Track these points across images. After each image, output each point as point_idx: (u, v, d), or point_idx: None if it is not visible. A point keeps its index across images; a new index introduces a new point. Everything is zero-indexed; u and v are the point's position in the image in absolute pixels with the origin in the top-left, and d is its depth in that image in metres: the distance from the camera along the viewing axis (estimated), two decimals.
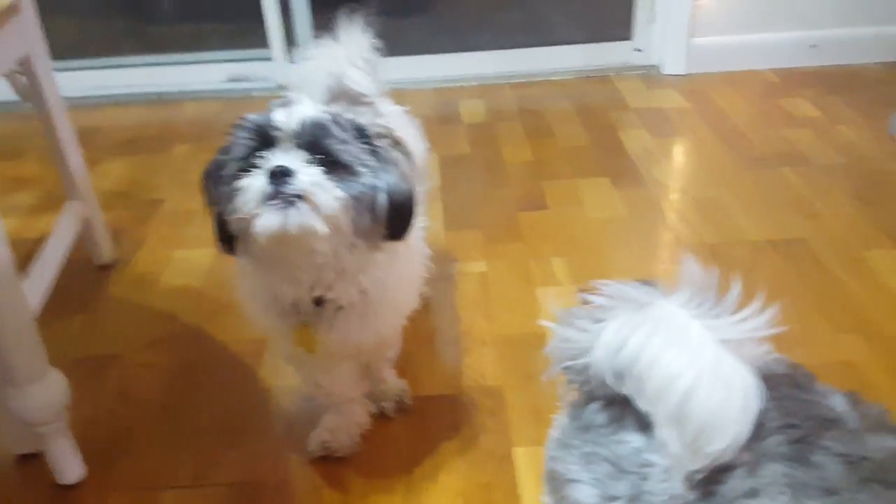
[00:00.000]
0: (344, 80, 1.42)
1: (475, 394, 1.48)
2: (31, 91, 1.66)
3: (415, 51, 3.00)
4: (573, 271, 1.82)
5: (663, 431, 0.74)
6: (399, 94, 2.86)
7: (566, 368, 0.82)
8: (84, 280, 1.90)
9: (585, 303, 0.81)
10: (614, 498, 0.78)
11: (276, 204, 0.97)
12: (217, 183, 1.06)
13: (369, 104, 1.45)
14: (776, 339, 1.61)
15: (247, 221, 1.00)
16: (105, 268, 1.94)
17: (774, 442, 0.73)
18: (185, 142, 2.65)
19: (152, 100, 2.98)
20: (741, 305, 0.77)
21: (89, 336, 1.71)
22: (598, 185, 2.21)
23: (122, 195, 2.31)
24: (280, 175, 0.97)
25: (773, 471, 0.72)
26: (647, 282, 0.82)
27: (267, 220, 0.98)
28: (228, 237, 1.08)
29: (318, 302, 1.11)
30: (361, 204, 1.03)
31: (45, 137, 1.73)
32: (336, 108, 1.09)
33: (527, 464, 1.32)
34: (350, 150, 1.03)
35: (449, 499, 1.27)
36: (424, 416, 1.44)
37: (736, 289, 0.78)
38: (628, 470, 0.78)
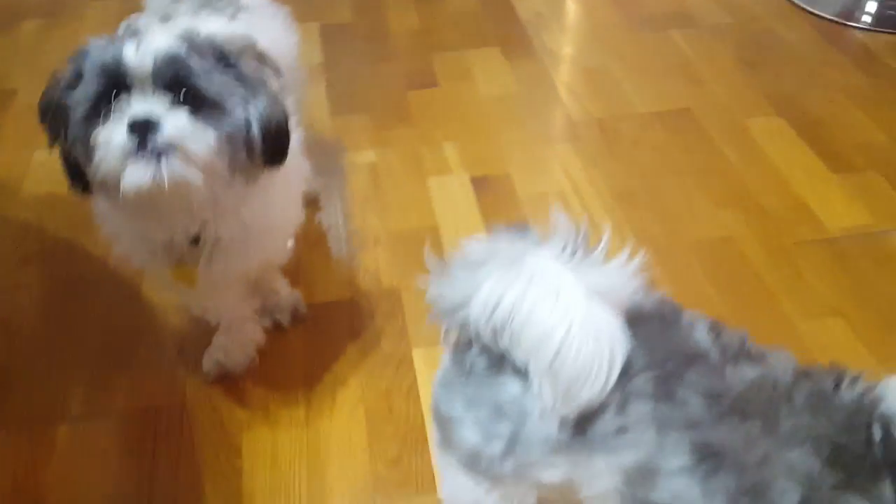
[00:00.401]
0: None
1: (371, 297, 1.47)
2: None
3: None
4: (465, 158, 1.79)
5: (538, 382, 0.76)
6: None
7: (444, 319, 0.81)
8: None
9: (459, 255, 0.80)
10: (496, 437, 0.81)
11: (142, 158, 0.88)
12: (61, 121, 0.95)
13: None
14: (660, 215, 1.65)
15: (109, 175, 0.91)
16: None
17: (641, 381, 0.76)
18: (34, 17, 2.37)
19: None
20: (612, 251, 0.77)
21: None
22: (489, 56, 2.14)
23: None
24: (143, 126, 0.88)
25: (640, 409, 0.76)
26: (522, 229, 0.81)
27: (134, 177, 0.89)
28: (83, 178, 0.98)
29: (195, 240, 1.05)
30: (235, 141, 0.96)
31: None
32: (190, 29, 0.97)
33: (426, 365, 1.35)
34: (214, 82, 0.94)
35: (350, 406, 1.29)
36: (321, 325, 1.43)
37: (606, 235, 0.77)
38: (508, 412, 0.80)
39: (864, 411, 0.73)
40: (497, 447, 0.81)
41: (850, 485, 0.70)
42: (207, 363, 1.33)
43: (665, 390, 0.76)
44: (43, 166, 1.79)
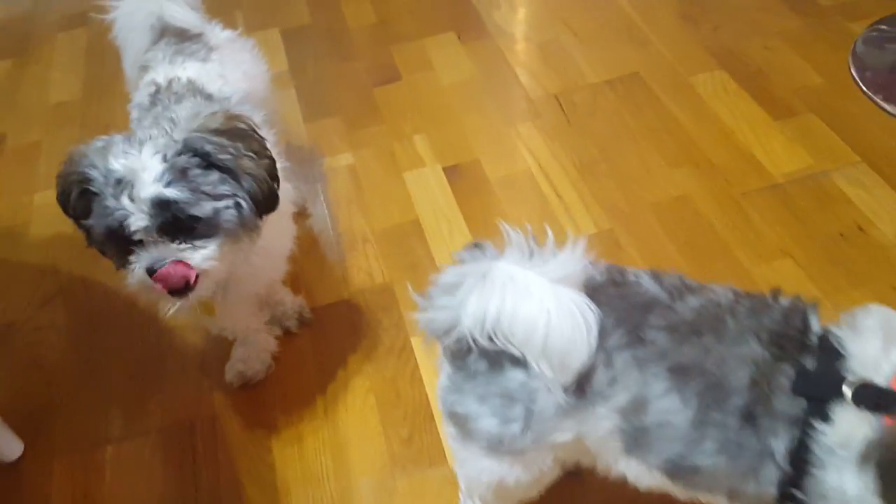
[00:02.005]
0: (165, 17, 1.39)
1: (367, 293, 1.62)
2: None
3: None
4: (435, 149, 1.92)
5: (536, 365, 0.91)
6: None
7: (435, 332, 0.95)
8: None
9: (436, 285, 0.94)
10: (513, 420, 0.96)
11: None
12: (80, 214, 1.10)
13: (197, 36, 1.43)
14: (620, 182, 1.78)
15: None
16: None
17: (616, 337, 0.92)
18: (2, 58, 2.46)
19: None
20: (560, 244, 0.92)
21: None
22: (446, 42, 2.24)
23: None
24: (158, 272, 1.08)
25: (623, 358, 0.92)
26: (477, 245, 0.94)
27: (171, 306, 1.14)
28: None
29: None
30: (233, 230, 1.12)
31: None
32: (170, 155, 1.09)
33: (424, 351, 1.49)
34: (205, 198, 1.09)
35: (361, 398, 1.45)
36: (325, 326, 1.58)
37: (549, 234, 0.91)
38: (518, 398, 0.95)
39: (800, 309, 0.92)
40: (516, 427, 0.96)
41: (784, 357, 0.88)
42: (230, 374, 1.48)
43: (636, 337, 0.92)
44: (47, 207, 1.91)
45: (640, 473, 0.99)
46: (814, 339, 0.91)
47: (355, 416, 1.43)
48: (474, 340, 0.92)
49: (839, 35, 2.03)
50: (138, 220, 1.07)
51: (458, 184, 1.81)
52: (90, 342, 1.62)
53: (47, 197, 1.93)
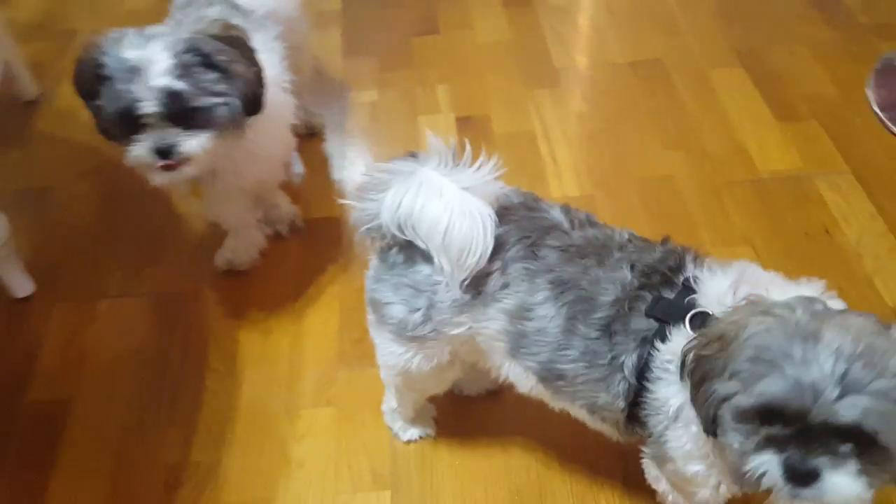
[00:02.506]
0: None
1: None
2: None
3: None
4: (454, 99, 2.05)
5: (437, 258, 1.04)
6: None
7: (367, 230, 1.09)
8: (13, 116, 2.09)
9: (370, 181, 1.07)
10: (416, 309, 1.10)
11: (163, 168, 1.31)
12: (91, 95, 1.29)
13: None
14: (614, 156, 1.86)
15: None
16: (31, 103, 2.13)
17: (515, 250, 1.06)
18: None
19: None
20: (476, 161, 1.04)
21: (25, 169, 1.95)
22: (490, 5, 2.36)
23: (38, 27, 2.42)
24: (163, 152, 1.28)
25: (516, 268, 1.05)
26: (412, 154, 1.07)
27: (159, 179, 1.36)
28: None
29: None
30: (224, 123, 1.30)
31: None
32: (182, 34, 1.27)
33: None
34: (204, 93, 1.27)
35: (327, 301, 1.60)
36: (314, 235, 1.74)
37: (468, 150, 1.03)
38: (423, 289, 1.09)
39: (678, 253, 1.04)
40: (418, 316, 1.10)
41: (648, 286, 1.00)
42: (219, 259, 1.66)
43: (531, 252, 1.05)
44: None
45: (519, 376, 1.11)
46: (680, 278, 1.01)
47: (319, 315, 1.58)
48: (392, 234, 1.06)
49: (867, 51, 2.06)
50: (149, 106, 1.25)
51: (465, 133, 1.93)
52: (109, 214, 1.82)
53: None
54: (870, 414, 0.77)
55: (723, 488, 1.02)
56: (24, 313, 1.62)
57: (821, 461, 0.81)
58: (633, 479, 1.27)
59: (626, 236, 1.08)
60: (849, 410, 0.77)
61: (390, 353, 1.18)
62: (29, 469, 1.37)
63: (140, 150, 1.31)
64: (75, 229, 1.79)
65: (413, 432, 1.36)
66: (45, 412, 1.46)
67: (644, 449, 1.10)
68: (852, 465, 0.81)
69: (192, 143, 1.30)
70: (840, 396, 0.77)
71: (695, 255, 1.05)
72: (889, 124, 1.84)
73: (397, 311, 1.12)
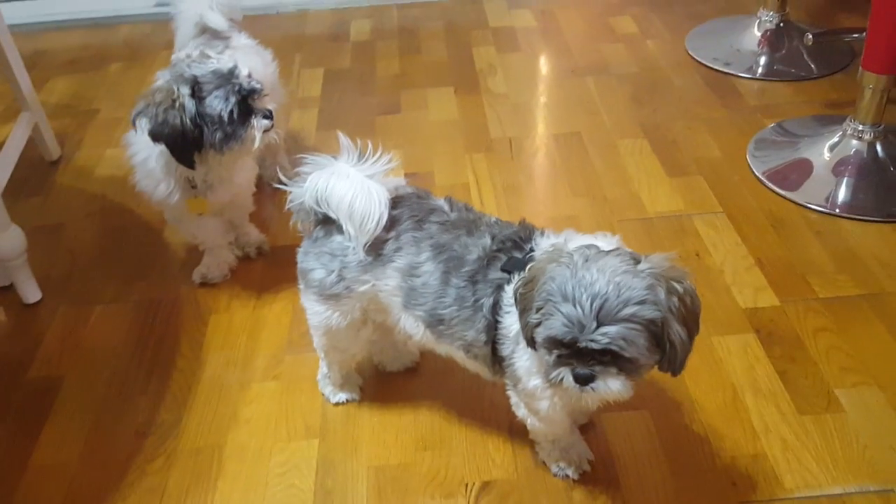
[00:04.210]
0: (204, 19, 2.00)
1: None
2: None
3: None
4: (406, 159, 2.44)
5: (344, 226, 1.39)
6: (301, 15, 3.42)
7: (296, 210, 1.45)
8: (37, 173, 2.50)
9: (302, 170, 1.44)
10: (332, 270, 1.44)
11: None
12: (192, 131, 1.69)
13: (226, 38, 2.04)
14: (530, 201, 2.20)
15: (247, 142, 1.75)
16: (53, 163, 2.55)
17: (406, 225, 1.40)
18: (119, 60, 3.20)
19: (89, 24, 3.50)
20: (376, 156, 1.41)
21: (43, 212, 2.34)
22: (444, 93, 2.81)
23: (66, 107, 2.89)
24: (270, 114, 1.77)
25: (406, 237, 1.40)
26: (333, 156, 1.45)
27: (268, 139, 1.80)
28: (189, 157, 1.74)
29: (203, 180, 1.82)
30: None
31: None
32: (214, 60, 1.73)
33: None
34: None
35: (283, 305, 1.94)
36: (278, 259, 2.09)
37: (370, 147, 1.40)
38: (337, 254, 1.43)
39: (529, 228, 1.38)
40: (334, 276, 1.44)
41: (503, 249, 1.34)
42: (195, 274, 2.01)
43: (418, 225, 1.40)
44: (110, 159, 2.55)
45: (412, 326, 1.44)
46: (528, 246, 1.35)
47: (275, 317, 1.91)
48: (313, 210, 1.42)
49: (751, 126, 2.47)
50: (256, 84, 1.75)
51: (411, 182, 2.31)
52: (108, 243, 2.19)
53: (114, 152, 2.56)
54: (615, 338, 1.11)
55: (556, 399, 1.32)
56: (32, 316, 1.96)
57: (595, 369, 1.15)
58: (516, 429, 1.55)
59: (494, 219, 1.44)
60: (601, 338, 1.11)
61: (315, 314, 1.51)
62: (23, 427, 1.67)
63: (260, 120, 1.75)
64: (80, 254, 2.16)
65: (341, 396, 1.66)
66: (40, 386, 1.77)
67: (506, 381, 1.40)
68: (614, 370, 1.15)
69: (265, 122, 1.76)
70: (596, 328, 1.11)
71: (542, 231, 1.40)
72: (768, 182, 2.21)
73: (318, 274, 1.46)
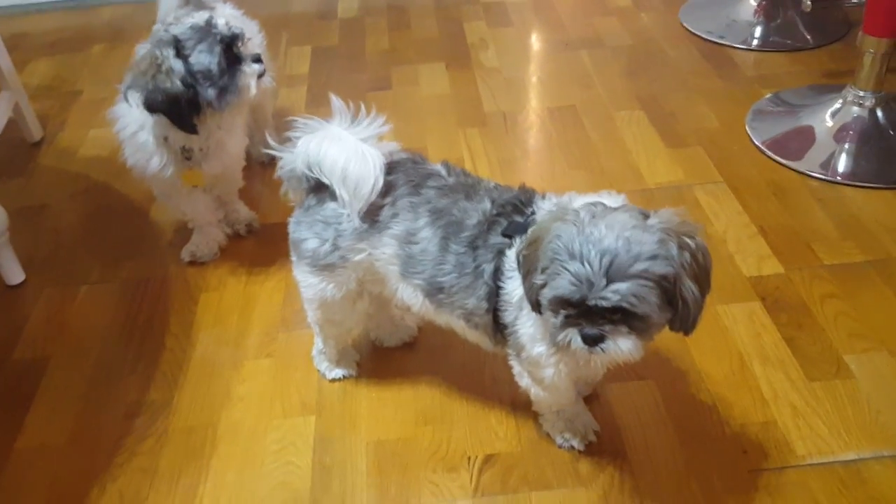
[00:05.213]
0: None
1: None
2: None
3: None
4: (397, 136, 2.31)
5: (338, 191, 1.34)
6: None
7: (287, 177, 1.40)
8: (20, 154, 2.43)
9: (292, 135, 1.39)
10: (326, 239, 1.38)
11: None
12: (187, 93, 1.63)
13: (211, 8, 1.97)
14: (528, 175, 2.17)
15: (242, 91, 1.69)
16: (35, 145, 2.47)
17: (402, 190, 1.35)
18: (102, 42, 3.12)
19: (71, 6, 3.41)
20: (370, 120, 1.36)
21: (25, 193, 2.27)
22: (435, 68, 2.75)
23: (48, 88, 2.81)
24: (258, 58, 1.72)
25: (403, 202, 1.34)
26: (325, 118, 1.39)
27: (255, 89, 1.71)
28: (187, 119, 1.68)
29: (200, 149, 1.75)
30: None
31: None
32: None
33: None
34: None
35: (275, 283, 1.88)
36: (268, 236, 2.04)
37: (363, 110, 1.35)
38: (331, 222, 1.38)
39: (529, 192, 1.33)
40: (328, 245, 1.38)
41: (503, 214, 1.29)
42: (184, 252, 1.95)
43: (415, 190, 1.34)
44: (94, 140, 2.48)
45: (410, 296, 1.39)
46: (529, 210, 1.30)
47: (267, 294, 1.86)
48: (305, 175, 1.36)
49: (749, 96, 2.43)
50: (237, 30, 1.70)
51: None
52: (94, 223, 2.13)
53: (98, 132, 2.50)
54: (627, 295, 1.06)
55: (562, 366, 1.28)
56: (15, 297, 1.90)
57: (604, 329, 1.10)
58: (519, 403, 1.51)
59: (493, 184, 1.38)
60: (612, 295, 1.06)
61: (309, 286, 1.46)
62: (7, 411, 1.61)
63: (249, 65, 1.70)
64: (64, 235, 2.09)
65: (337, 372, 1.61)
66: (26, 367, 1.71)
67: (508, 351, 1.36)
68: (624, 329, 1.10)
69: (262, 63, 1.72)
70: (606, 286, 1.06)
71: (543, 194, 1.35)
72: (768, 151, 2.17)
73: (311, 244, 1.40)
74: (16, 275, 1.91)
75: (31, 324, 1.82)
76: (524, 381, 1.38)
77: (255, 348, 1.71)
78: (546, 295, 1.12)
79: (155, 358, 1.70)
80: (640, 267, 1.06)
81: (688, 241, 1.10)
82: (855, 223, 1.91)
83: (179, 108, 1.64)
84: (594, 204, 1.15)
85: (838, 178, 2.06)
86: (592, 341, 1.11)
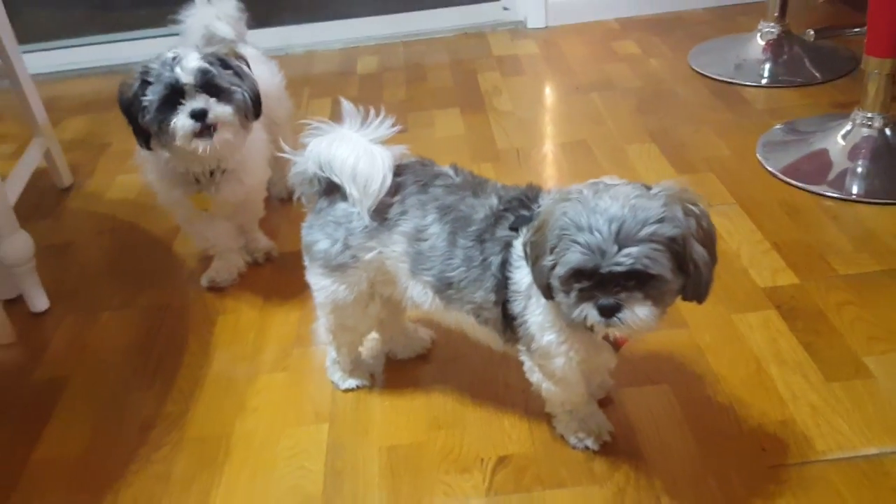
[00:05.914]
0: (212, 28, 2.05)
1: None
2: (4, 69, 2.29)
3: (321, 18, 3.61)
4: None
5: (348, 189, 1.38)
6: (309, 55, 3.50)
7: (300, 181, 1.44)
8: (50, 198, 2.53)
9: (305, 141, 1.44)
10: (337, 240, 1.42)
11: (202, 133, 1.67)
12: (136, 110, 1.69)
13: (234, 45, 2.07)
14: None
15: (181, 143, 1.68)
16: (65, 190, 2.57)
17: (411, 189, 1.39)
18: None
19: (105, 72, 3.59)
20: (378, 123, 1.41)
21: (54, 232, 2.34)
22: (450, 113, 2.83)
23: (80, 142, 2.93)
24: (199, 114, 1.65)
25: (411, 200, 1.37)
26: (334, 122, 1.45)
27: (199, 145, 1.68)
28: (148, 141, 1.74)
29: (211, 174, 1.80)
30: (240, 107, 1.72)
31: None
32: (205, 49, 1.73)
33: None
34: (224, 79, 1.70)
35: (289, 308, 1.90)
36: (286, 264, 2.07)
37: (373, 112, 1.40)
38: (341, 221, 1.42)
39: (536, 189, 1.35)
40: (339, 245, 1.41)
41: (510, 209, 1.31)
42: (204, 278, 1.99)
43: (423, 189, 1.38)
44: (122, 184, 2.57)
45: (420, 294, 1.40)
46: (535, 206, 1.32)
47: (283, 313, 1.88)
48: (317, 176, 1.41)
49: (759, 127, 2.46)
50: (186, 77, 1.65)
51: None
52: (118, 257, 2.19)
53: (126, 178, 2.59)
54: (640, 257, 1.07)
55: (572, 354, 1.27)
56: (39, 323, 1.94)
57: (620, 297, 1.10)
58: (532, 407, 1.50)
59: (500, 185, 1.42)
60: (625, 259, 1.08)
61: (321, 289, 1.48)
62: (25, 424, 1.63)
63: (181, 118, 1.65)
64: (89, 268, 2.15)
65: (351, 382, 1.61)
66: (46, 385, 1.73)
67: (519, 347, 1.36)
68: (639, 295, 1.10)
69: (222, 109, 1.68)
70: (618, 251, 1.08)
71: (549, 191, 1.38)
72: (783, 177, 2.19)
73: (323, 245, 1.43)
74: (41, 302, 1.96)
75: (53, 346, 1.85)
76: (535, 376, 1.37)
77: (270, 363, 1.73)
78: (557, 273, 1.13)
79: (172, 374, 1.72)
80: (648, 230, 1.07)
81: (692, 207, 1.12)
82: (869, 237, 1.91)
83: (130, 119, 1.72)
84: (596, 182, 1.18)
85: (853, 195, 2.06)
86: (609, 312, 1.11)
